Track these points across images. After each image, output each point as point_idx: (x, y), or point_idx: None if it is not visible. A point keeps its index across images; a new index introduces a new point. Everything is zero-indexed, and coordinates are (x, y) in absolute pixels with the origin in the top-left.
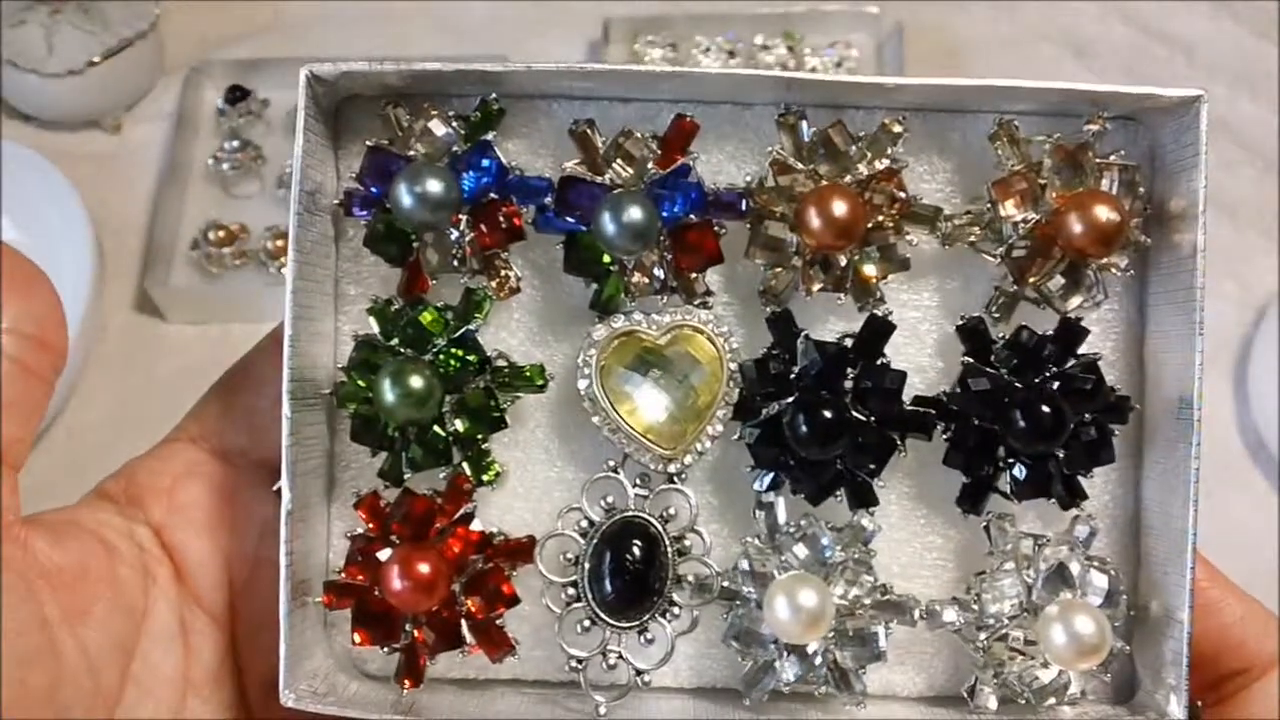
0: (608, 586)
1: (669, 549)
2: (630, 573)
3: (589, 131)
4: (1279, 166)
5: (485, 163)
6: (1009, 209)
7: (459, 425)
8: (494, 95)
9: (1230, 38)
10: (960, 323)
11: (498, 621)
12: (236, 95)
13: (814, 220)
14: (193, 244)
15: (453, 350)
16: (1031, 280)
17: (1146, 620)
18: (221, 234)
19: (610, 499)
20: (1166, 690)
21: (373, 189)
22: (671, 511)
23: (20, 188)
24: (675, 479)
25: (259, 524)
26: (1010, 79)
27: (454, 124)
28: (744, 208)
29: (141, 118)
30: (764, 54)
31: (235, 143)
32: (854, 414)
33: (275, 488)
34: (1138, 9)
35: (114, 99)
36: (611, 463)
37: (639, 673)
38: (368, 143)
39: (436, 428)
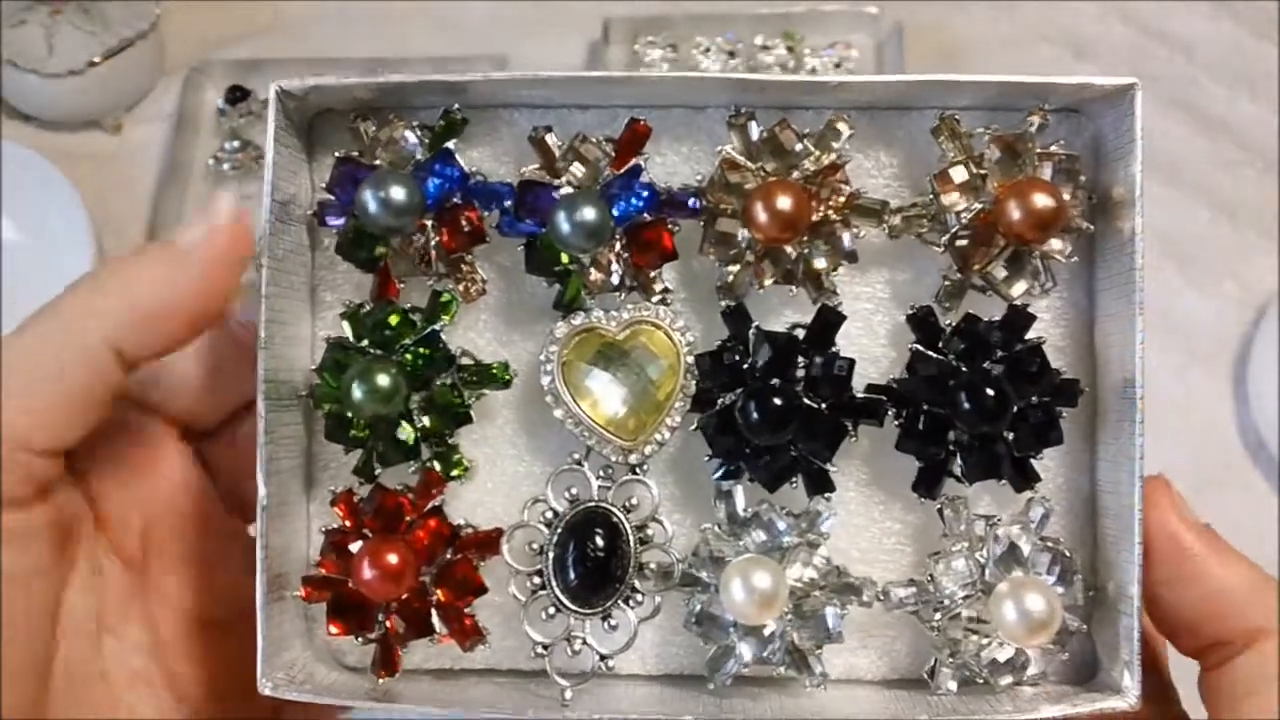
0: (571, 574)
1: (631, 537)
2: (593, 560)
3: (546, 138)
4: (1279, 166)
5: (447, 169)
6: (950, 198)
7: (426, 421)
8: (456, 105)
9: (1230, 38)
10: (910, 312)
11: (467, 610)
12: (237, 95)
13: (760, 214)
14: None
15: (419, 349)
16: (976, 268)
17: (1104, 602)
18: None
19: (574, 490)
20: (1121, 666)
21: (343, 198)
22: (634, 501)
23: (20, 188)
24: (637, 470)
25: (177, 475)
26: (951, 74)
27: (418, 133)
28: (696, 206)
29: (142, 118)
30: (764, 54)
31: (235, 143)
32: (805, 401)
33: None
34: (1138, 9)
35: (114, 99)
36: (575, 455)
37: (603, 658)
38: (336, 154)
39: (404, 424)
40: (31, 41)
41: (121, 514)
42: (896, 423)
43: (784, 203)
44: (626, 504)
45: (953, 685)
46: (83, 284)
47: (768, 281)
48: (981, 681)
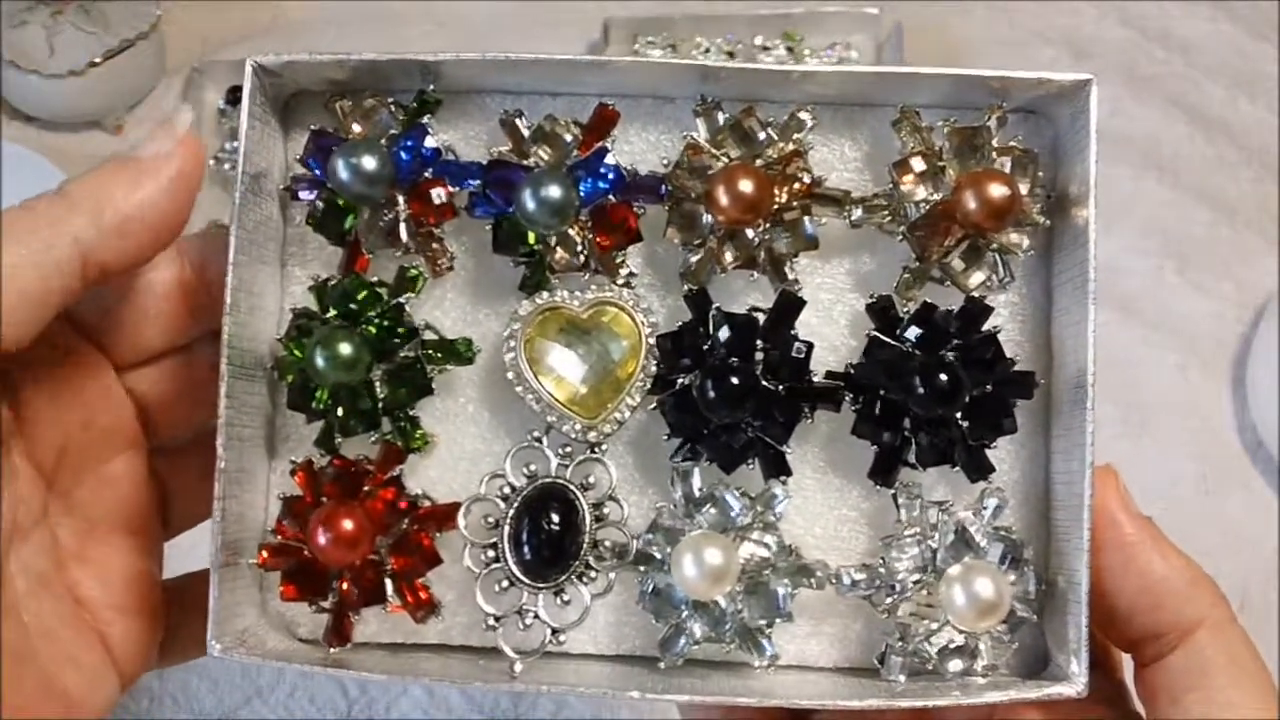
0: (525, 548)
1: (587, 514)
2: (547, 535)
3: (517, 121)
4: (1278, 166)
5: (420, 144)
6: (909, 187)
7: (387, 392)
8: (431, 87)
9: (1229, 39)
10: (870, 301)
11: (421, 582)
12: (238, 96)
13: (722, 197)
14: None
15: (383, 321)
16: (934, 257)
17: (1054, 595)
18: None
19: (533, 467)
20: (1069, 653)
21: (316, 170)
22: (591, 480)
23: (21, 188)
24: (595, 449)
25: (105, 401)
26: (915, 67)
27: (393, 109)
28: (662, 190)
29: (143, 118)
30: (764, 55)
31: (236, 143)
32: (763, 383)
33: None
34: (1137, 10)
35: (115, 99)
36: (535, 433)
37: (554, 631)
38: (311, 127)
39: (365, 393)
40: (33, 42)
41: (44, 425)
42: (853, 408)
43: (745, 185)
44: (584, 482)
45: (902, 677)
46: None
47: (729, 264)
48: (931, 669)
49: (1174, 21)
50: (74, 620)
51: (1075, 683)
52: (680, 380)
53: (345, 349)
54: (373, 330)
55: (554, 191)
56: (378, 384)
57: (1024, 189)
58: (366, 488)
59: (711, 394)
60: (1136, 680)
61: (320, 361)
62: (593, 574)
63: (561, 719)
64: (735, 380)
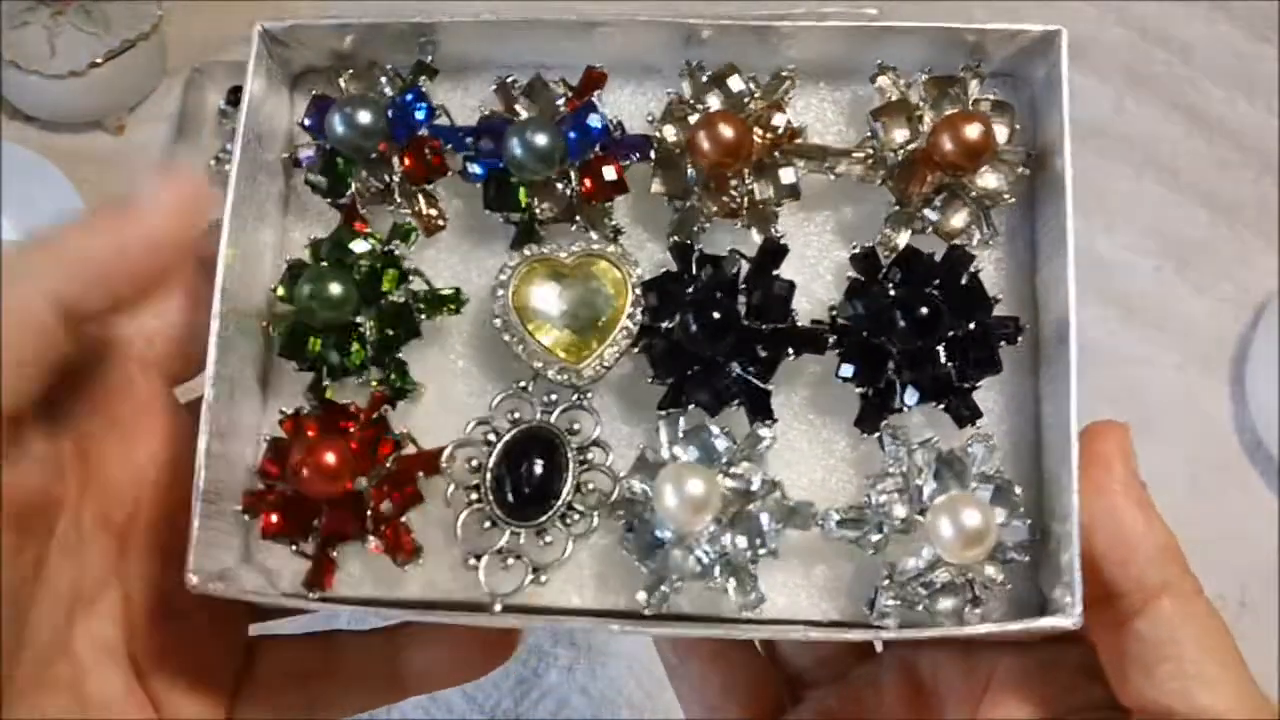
0: (508, 488)
1: (571, 458)
2: (530, 476)
3: (510, 85)
4: (1278, 167)
5: (415, 103)
6: (887, 131)
7: (376, 335)
8: (430, 58)
9: (1228, 39)
10: (853, 251)
11: (403, 521)
12: (238, 96)
13: (703, 141)
14: None
15: (374, 264)
16: (913, 201)
17: (1048, 543)
18: None
19: (518, 414)
20: (1063, 588)
21: (314, 131)
22: (576, 427)
23: (21, 188)
24: (581, 396)
25: (171, 430)
26: (891, 21)
27: (391, 75)
28: (648, 146)
29: (144, 119)
30: None
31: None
32: (745, 322)
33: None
34: (1137, 10)
35: (116, 100)
36: (521, 382)
37: (535, 570)
38: (313, 92)
39: (354, 336)
40: (34, 42)
41: (119, 478)
42: (836, 352)
43: (725, 129)
44: (569, 428)
45: (892, 622)
46: (29, 243)
47: (713, 213)
48: (921, 609)
49: (1174, 21)
50: (135, 691)
51: (1070, 614)
52: (665, 325)
53: (334, 287)
54: (363, 272)
55: (540, 139)
56: (367, 330)
57: (1002, 138)
58: (351, 428)
59: (693, 327)
60: (1101, 654)
61: (308, 299)
62: (576, 516)
63: (561, 718)
64: (716, 314)
